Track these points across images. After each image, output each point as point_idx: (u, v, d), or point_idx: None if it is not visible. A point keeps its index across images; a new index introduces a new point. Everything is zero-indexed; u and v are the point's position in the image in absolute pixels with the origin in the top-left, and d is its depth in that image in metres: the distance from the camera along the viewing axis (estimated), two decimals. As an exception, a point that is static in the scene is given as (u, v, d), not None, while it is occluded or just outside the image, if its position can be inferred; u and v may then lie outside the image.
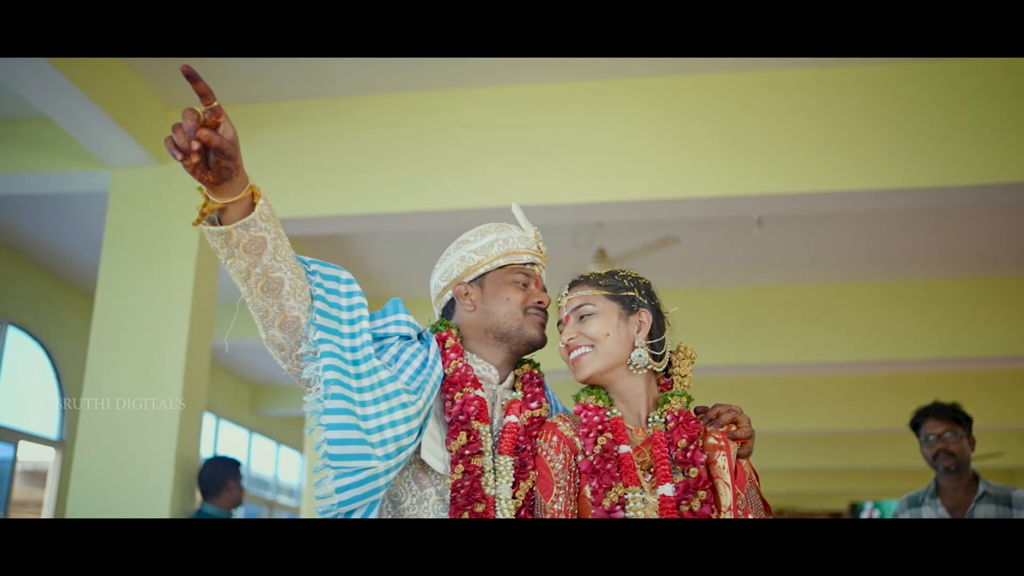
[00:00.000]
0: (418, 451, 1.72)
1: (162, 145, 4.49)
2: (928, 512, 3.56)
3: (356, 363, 1.66)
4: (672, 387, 1.84)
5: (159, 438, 4.21)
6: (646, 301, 1.86)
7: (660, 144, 4.41)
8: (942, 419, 3.56)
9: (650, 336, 1.83)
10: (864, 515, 17.77)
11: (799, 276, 7.13)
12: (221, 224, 1.55)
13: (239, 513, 4.88)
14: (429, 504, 1.72)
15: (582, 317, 1.82)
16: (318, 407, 1.60)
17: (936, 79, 4.29)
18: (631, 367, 1.80)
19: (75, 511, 4.14)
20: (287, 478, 12.35)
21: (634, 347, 1.80)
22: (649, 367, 1.82)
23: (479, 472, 1.69)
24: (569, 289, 1.88)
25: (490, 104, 4.55)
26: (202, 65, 4.23)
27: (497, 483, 1.71)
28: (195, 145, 1.41)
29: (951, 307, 6.97)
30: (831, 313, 7.13)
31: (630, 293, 1.84)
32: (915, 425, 3.67)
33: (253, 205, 1.55)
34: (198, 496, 4.49)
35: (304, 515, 7.30)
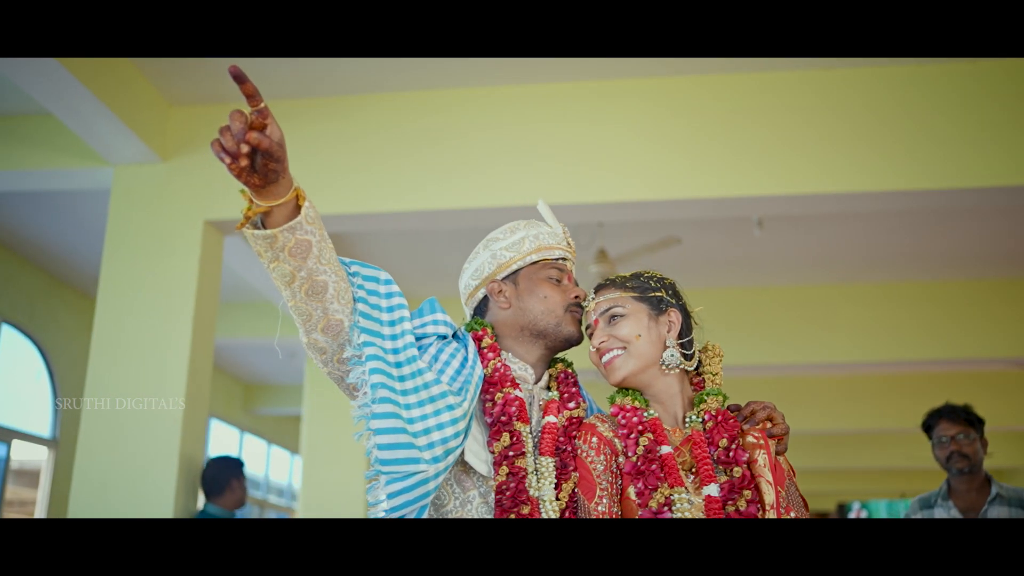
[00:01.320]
0: (460, 453, 1.70)
1: (165, 142, 4.53)
2: (941, 514, 3.56)
3: (399, 365, 1.65)
4: (705, 386, 1.85)
5: (162, 438, 4.19)
6: (674, 301, 1.86)
7: (661, 144, 4.42)
8: (955, 421, 3.57)
9: (679, 336, 1.83)
10: (852, 515, 17.88)
11: (799, 277, 7.16)
12: (265, 227, 1.51)
13: (242, 513, 4.85)
14: (472, 507, 1.71)
15: (612, 320, 1.82)
16: (366, 412, 1.58)
17: (937, 81, 4.32)
18: (664, 367, 1.80)
19: (77, 511, 4.11)
20: (278, 478, 12.33)
21: (665, 347, 1.81)
22: (681, 367, 1.82)
23: (523, 474, 1.68)
24: (596, 293, 1.87)
25: (491, 104, 4.55)
26: (203, 63, 4.24)
27: (540, 484, 1.70)
28: (244, 148, 1.38)
29: (949, 308, 7.01)
30: (830, 314, 7.16)
31: (658, 294, 1.84)
32: (928, 427, 3.67)
33: (298, 208, 1.52)
34: (201, 496, 4.47)
35: (299, 516, 7.27)
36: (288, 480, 12.64)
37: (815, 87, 4.40)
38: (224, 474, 4.47)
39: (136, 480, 4.14)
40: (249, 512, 10.80)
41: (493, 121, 4.54)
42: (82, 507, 4.12)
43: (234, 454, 4.75)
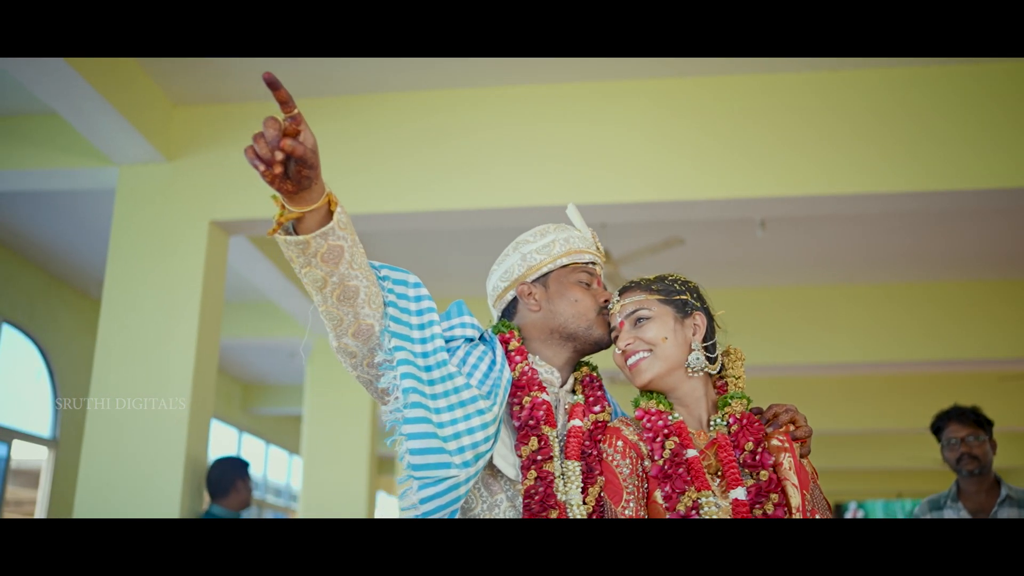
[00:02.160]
0: (490, 457, 1.70)
1: (169, 142, 4.52)
2: (950, 515, 3.57)
3: (428, 369, 1.65)
4: (727, 389, 1.85)
5: (167, 439, 4.18)
6: (699, 304, 1.87)
7: (664, 146, 4.42)
8: (964, 423, 3.58)
9: (703, 339, 1.84)
10: (848, 515, 17.93)
11: (800, 277, 7.18)
12: (297, 233, 1.51)
13: (246, 514, 4.84)
14: (500, 511, 1.71)
15: (638, 322, 1.82)
16: (398, 417, 1.59)
17: (939, 83, 4.33)
18: (688, 370, 1.81)
19: (81, 513, 4.09)
20: (276, 478, 12.33)
21: (690, 350, 1.81)
22: (705, 370, 1.83)
23: (552, 478, 1.69)
24: (621, 295, 1.87)
25: (495, 104, 4.55)
26: (208, 63, 4.24)
27: (567, 489, 1.71)
28: (279, 156, 1.37)
29: (950, 309, 7.02)
30: (831, 314, 7.18)
31: (683, 297, 1.85)
32: (937, 429, 3.68)
33: (330, 213, 1.52)
34: (206, 497, 4.46)
35: (300, 516, 7.26)
36: (287, 480, 12.64)
37: (817, 89, 4.41)
38: (229, 475, 4.47)
39: (141, 481, 4.13)
40: (250, 513, 10.80)
41: (495, 121, 4.54)
42: (87, 509, 4.11)
43: (239, 455, 4.75)
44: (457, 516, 1.64)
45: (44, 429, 6.79)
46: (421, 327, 1.70)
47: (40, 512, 6.59)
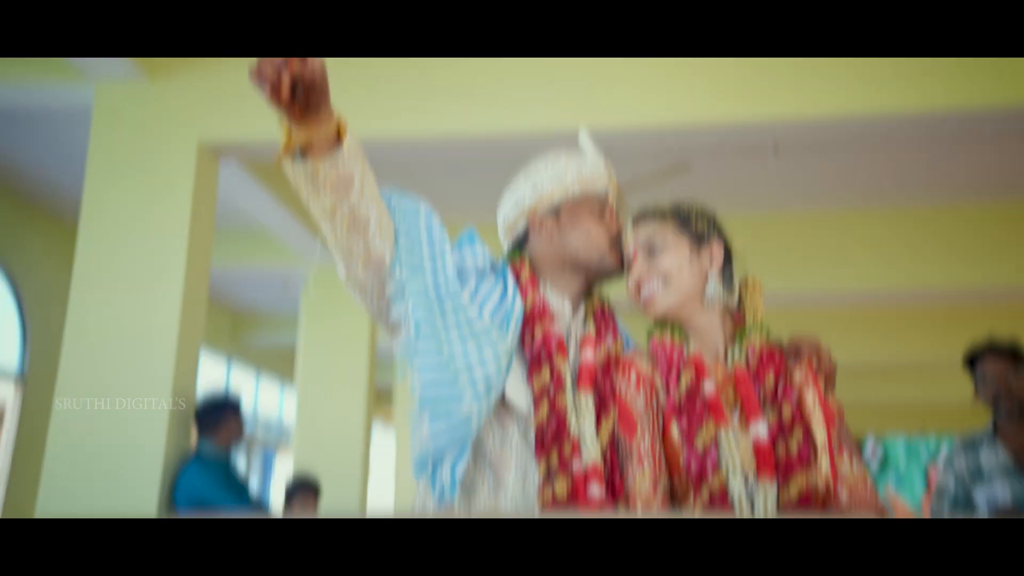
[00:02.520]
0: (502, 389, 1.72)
1: (151, 58, 4.41)
2: (988, 455, 3.45)
3: (440, 300, 1.67)
4: (745, 321, 1.83)
5: (153, 373, 4.13)
6: (715, 233, 1.85)
7: (673, 68, 4.31)
8: (1001, 357, 3.46)
9: (720, 269, 1.82)
10: (868, 451, 18.04)
11: (815, 202, 7.07)
12: (305, 160, 1.52)
13: (236, 450, 4.83)
14: (512, 444, 1.72)
15: (652, 251, 1.80)
16: (410, 349, 1.61)
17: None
18: (705, 301, 1.79)
19: (55, 459, 4.02)
20: (267, 410, 12.39)
21: (707, 280, 1.80)
22: (723, 301, 1.81)
23: (564, 411, 1.70)
24: (635, 224, 1.86)
25: (495, 24, 4.45)
26: None
27: (580, 422, 1.71)
28: (286, 78, 1.37)
29: (982, 234, 6.85)
30: (849, 241, 7.06)
31: (699, 225, 1.83)
32: (970, 363, 3.55)
33: (339, 140, 1.52)
34: (194, 433, 4.45)
35: (293, 452, 7.26)
36: (279, 414, 12.70)
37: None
38: (219, 410, 4.47)
39: (124, 418, 4.06)
40: (240, 450, 10.84)
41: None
42: (59, 451, 4.03)
43: (230, 389, 4.74)
44: (468, 451, 1.66)
45: (11, 364, 6.67)
46: (432, 258, 1.71)
47: (5, 454, 6.47)
